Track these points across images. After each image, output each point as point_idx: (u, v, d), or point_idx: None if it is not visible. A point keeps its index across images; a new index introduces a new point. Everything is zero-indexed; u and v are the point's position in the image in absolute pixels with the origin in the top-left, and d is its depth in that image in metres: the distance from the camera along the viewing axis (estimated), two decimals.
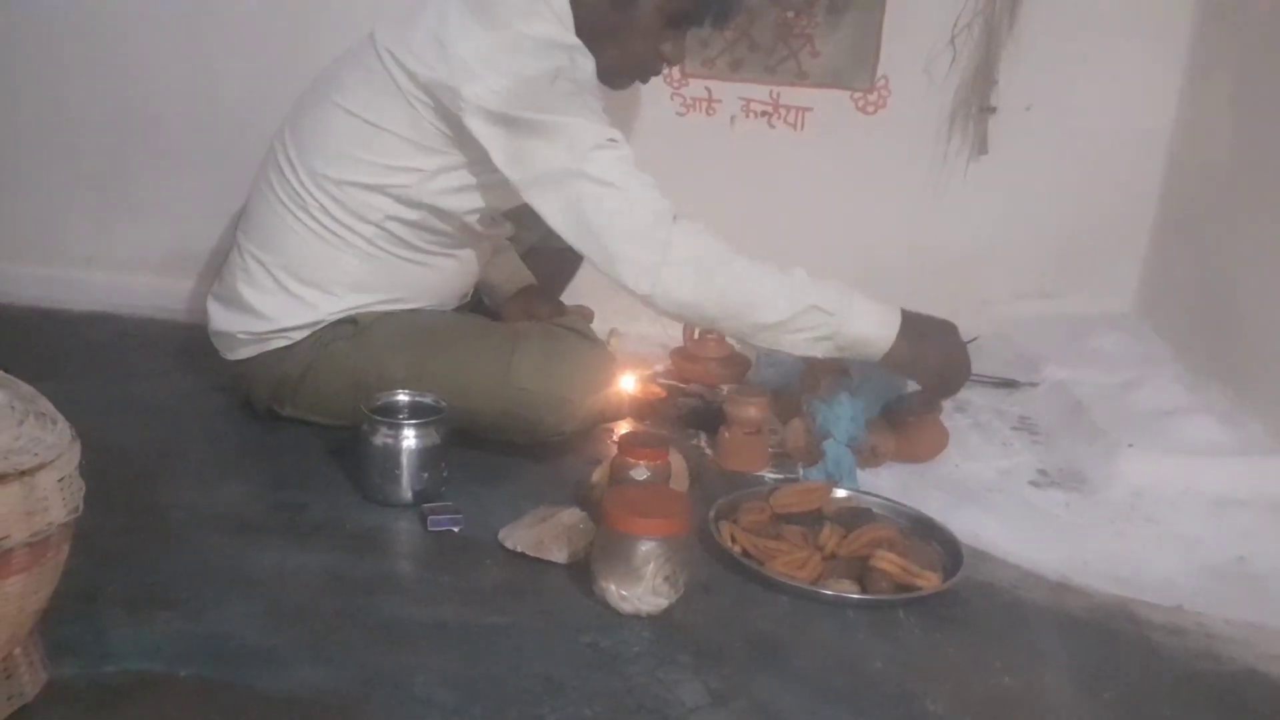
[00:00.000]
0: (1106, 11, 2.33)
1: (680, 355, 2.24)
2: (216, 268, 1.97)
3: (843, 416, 1.83)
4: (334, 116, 1.77)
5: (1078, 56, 2.35)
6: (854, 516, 1.64)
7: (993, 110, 2.37)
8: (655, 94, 2.37)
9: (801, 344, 1.69)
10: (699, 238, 1.66)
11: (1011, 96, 2.36)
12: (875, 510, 1.69)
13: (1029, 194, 2.44)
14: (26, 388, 1.16)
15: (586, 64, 1.72)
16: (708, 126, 2.41)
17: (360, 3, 1.81)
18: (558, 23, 1.73)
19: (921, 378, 1.78)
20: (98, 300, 2.45)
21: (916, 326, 1.72)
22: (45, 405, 1.14)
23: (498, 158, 1.67)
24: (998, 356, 2.31)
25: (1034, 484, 1.88)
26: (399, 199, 1.76)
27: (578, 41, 1.73)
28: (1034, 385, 2.22)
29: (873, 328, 1.69)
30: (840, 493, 1.72)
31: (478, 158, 1.71)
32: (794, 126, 2.41)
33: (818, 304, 1.65)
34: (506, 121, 1.65)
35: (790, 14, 2.33)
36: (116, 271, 2.50)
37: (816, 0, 2.32)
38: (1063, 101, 2.38)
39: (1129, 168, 2.44)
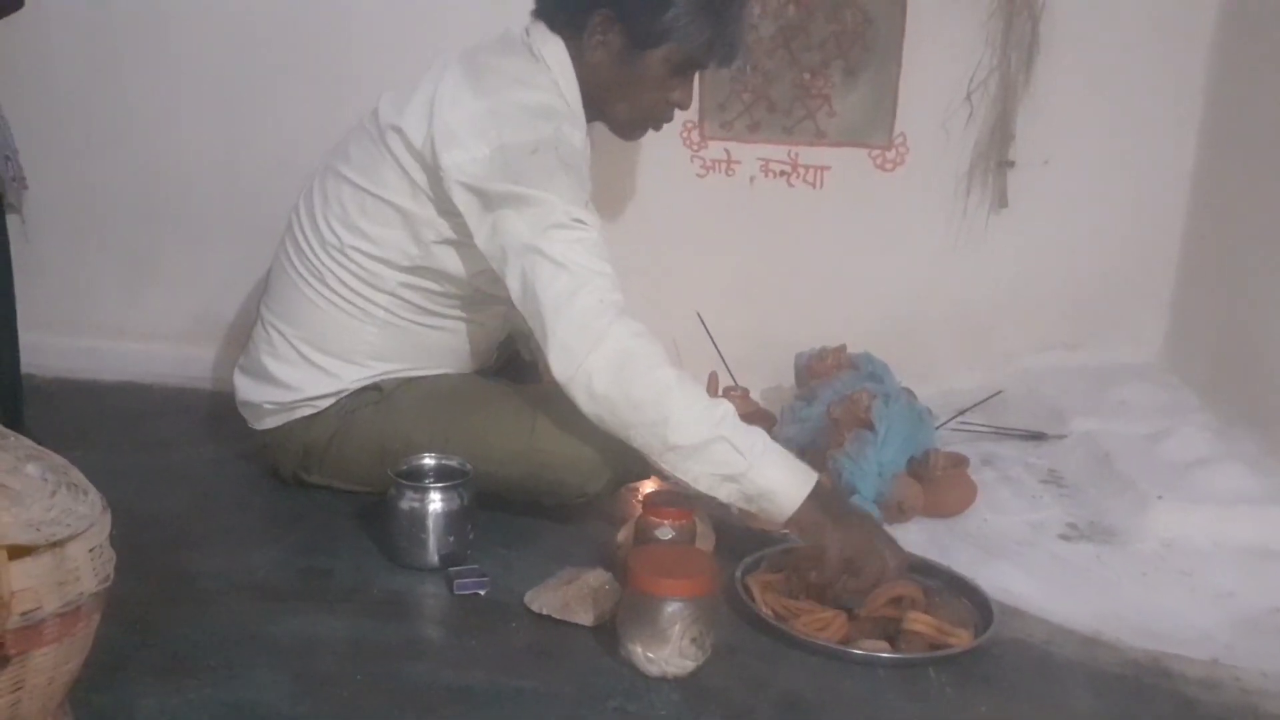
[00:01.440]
0: (1122, 63, 2.35)
1: None
2: (242, 336, 1.99)
3: (869, 472, 1.82)
4: (340, 187, 1.80)
5: (1095, 108, 2.37)
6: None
7: (1011, 164, 2.38)
8: (675, 156, 2.39)
9: (705, 478, 1.58)
10: (635, 340, 1.59)
11: (1030, 150, 2.38)
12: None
13: (1050, 246, 2.44)
14: (58, 459, 1.17)
15: (574, 135, 1.71)
16: (727, 187, 2.43)
17: (380, 79, 1.84)
18: (553, 89, 1.74)
19: (819, 553, 1.55)
20: (127, 370, 2.47)
21: (831, 505, 1.59)
22: (77, 476, 1.15)
23: (471, 224, 1.68)
24: (1023, 409, 2.30)
25: (1064, 537, 1.86)
26: (406, 267, 1.78)
27: (569, 111, 1.74)
28: (1061, 437, 2.20)
29: (781, 483, 1.56)
30: None
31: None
32: (813, 185, 2.42)
33: (731, 440, 1.55)
34: (480, 192, 1.66)
35: (807, 75, 2.36)
36: (145, 342, 2.52)
37: (833, 60, 2.35)
38: (1081, 154, 2.39)
39: (1149, 217, 2.44)
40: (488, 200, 1.66)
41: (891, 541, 1.58)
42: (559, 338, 1.59)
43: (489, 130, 1.66)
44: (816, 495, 1.57)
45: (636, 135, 1.90)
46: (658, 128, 1.89)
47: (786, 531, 1.62)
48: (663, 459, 1.59)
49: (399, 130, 1.72)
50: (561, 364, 1.60)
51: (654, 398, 1.57)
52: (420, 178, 1.72)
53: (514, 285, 1.65)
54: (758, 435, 1.59)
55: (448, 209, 1.72)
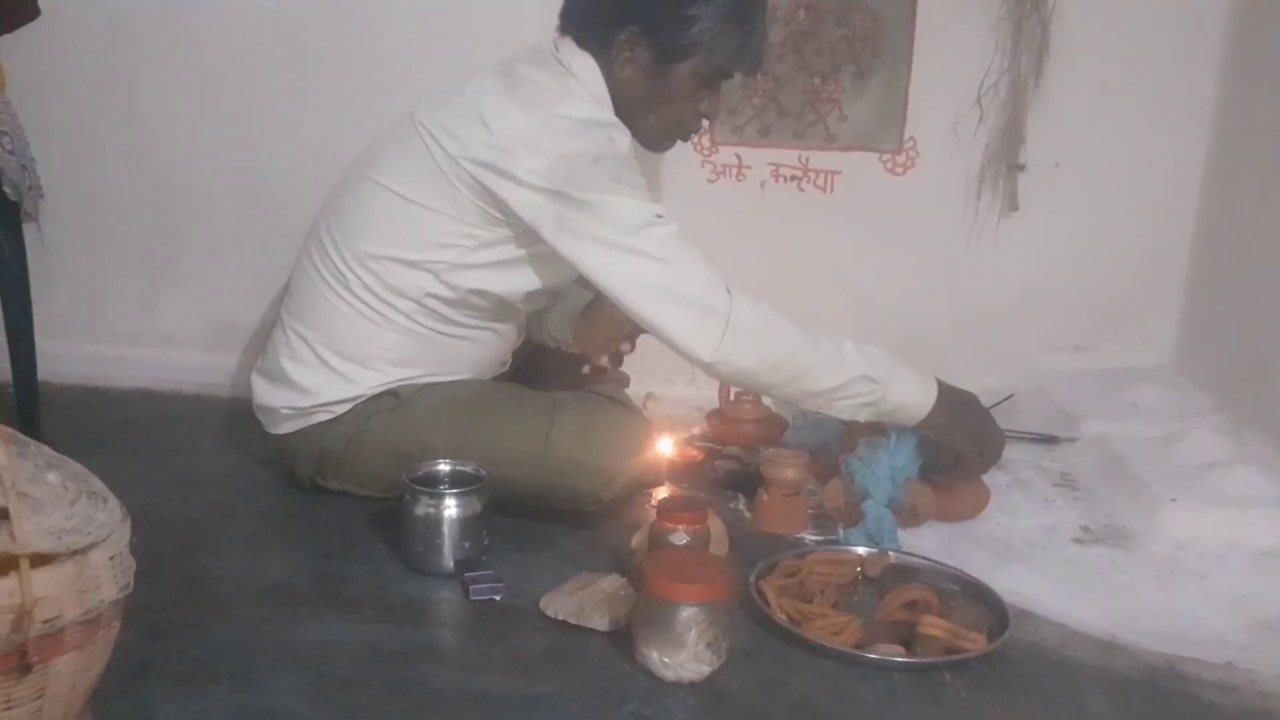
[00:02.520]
0: (1132, 66, 2.35)
1: (717, 418, 2.25)
2: (259, 343, 2.01)
3: (881, 476, 1.82)
4: (375, 194, 1.80)
5: (1105, 111, 2.37)
6: (897, 577, 1.64)
7: (1022, 168, 2.38)
8: (686, 162, 2.40)
9: (848, 410, 1.75)
10: (756, 308, 1.70)
11: (1040, 153, 2.38)
12: (914, 570, 1.69)
13: (1061, 249, 2.45)
14: (78, 466, 1.18)
15: (623, 140, 1.75)
16: (738, 192, 2.44)
17: (398, 86, 1.86)
18: (593, 102, 1.77)
19: (952, 444, 1.81)
20: (144, 377, 2.49)
21: (948, 396, 1.78)
22: (96, 484, 1.16)
23: (547, 234, 1.70)
24: (1036, 412, 2.30)
25: (1077, 541, 1.86)
26: (438, 276, 1.79)
27: (614, 119, 1.77)
28: (1074, 440, 2.20)
29: (912, 395, 1.75)
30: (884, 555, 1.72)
31: (516, 235, 1.75)
32: (824, 189, 2.43)
33: (867, 373, 1.71)
34: (556, 197, 1.68)
35: (817, 80, 2.37)
36: (162, 348, 2.55)
37: (843, 65, 2.36)
38: (1092, 156, 2.39)
39: (1161, 219, 2.44)
40: (564, 204, 1.68)
41: (991, 417, 1.86)
42: (686, 329, 1.68)
43: (543, 142, 1.69)
44: (941, 401, 1.76)
45: (665, 147, 1.92)
46: (686, 139, 1.91)
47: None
48: (807, 403, 1.77)
49: (445, 145, 1.73)
50: (700, 352, 1.68)
51: (788, 358, 1.70)
52: (466, 191, 1.73)
53: (615, 285, 1.70)
54: (881, 357, 1.75)
55: (493, 223, 1.74)
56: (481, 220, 1.75)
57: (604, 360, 2.01)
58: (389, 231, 1.79)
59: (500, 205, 1.72)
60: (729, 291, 1.69)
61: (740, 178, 2.44)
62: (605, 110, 1.78)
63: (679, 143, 1.92)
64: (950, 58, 2.34)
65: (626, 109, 1.80)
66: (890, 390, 1.73)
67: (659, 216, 1.70)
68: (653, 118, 1.83)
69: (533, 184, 1.68)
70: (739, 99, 2.37)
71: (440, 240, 1.77)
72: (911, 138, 2.39)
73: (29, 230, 2.17)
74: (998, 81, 2.35)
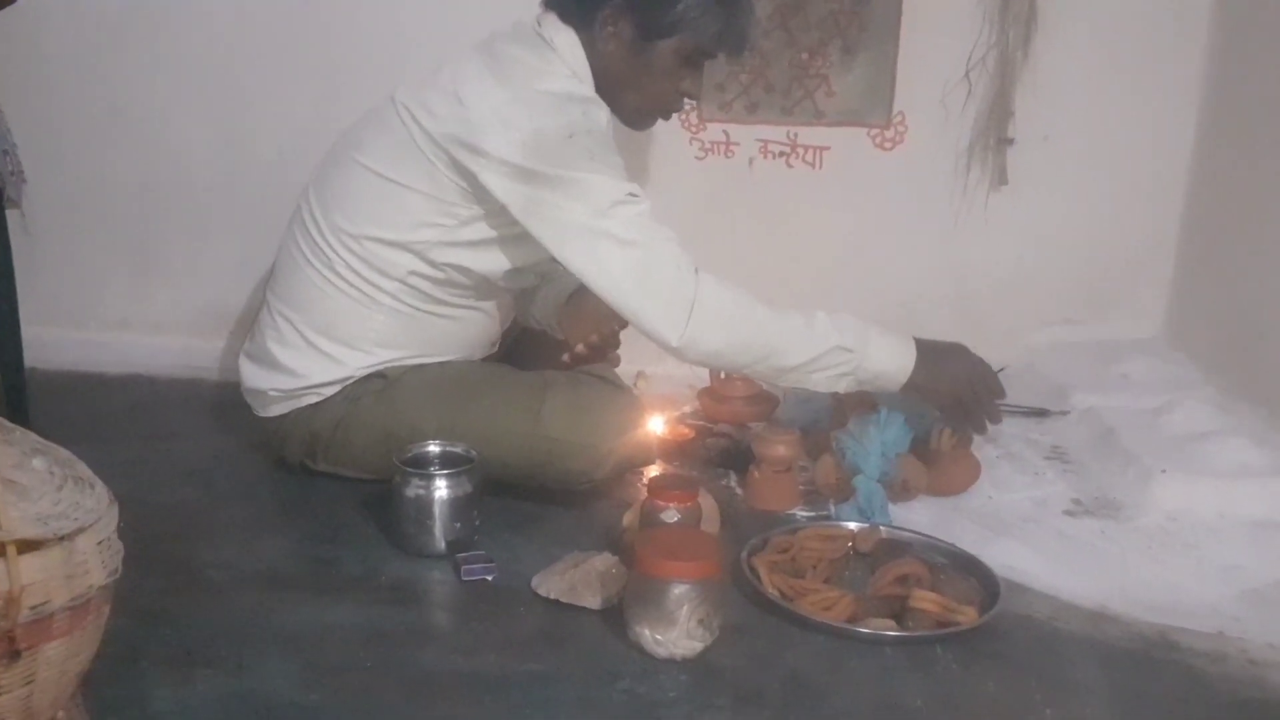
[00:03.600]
0: (1121, 38, 2.34)
1: (708, 395, 2.25)
2: (247, 326, 2.00)
3: (872, 452, 1.82)
4: (356, 174, 1.80)
5: (1094, 84, 2.36)
6: (889, 552, 1.64)
7: (1011, 141, 2.37)
8: (674, 139, 2.39)
9: (824, 382, 1.74)
10: (722, 289, 1.68)
11: (1029, 127, 2.37)
12: (905, 545, 1.69)
13: (1051, 223, 2.44)
14: (64, 452, 1.17)
15: (600, 115, 1.74)
16: (727, 169, 2.43)
17: (384, 67, 1.85)
18: (572, 77, 1.76)
19: (943, 401, 1.81)
20: (132, 362, 2.48)
21: (930, 353, 1.78)
22: (83, 469, 1.15)
23: (517, 212, 1.69)
24: (1026, 386, 2.30)
25: (1068, 513, 1.87)
26: (421, 255, 1.78)
27: (592, 95, 1.76)
28: (1064, 414, 2.21)
29: (890, 360, 1.74)
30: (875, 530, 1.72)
31: (495, 213, 1.74)
32: (812, 165, 2.42)
33: (839, 343, 1.70)
34: (525, 175, 1.67)
35: (805, 54, 2.36)
36: (150, 333, 2.53)
37: (830, 40, 2.34)
38: (1081, 129, 2.39)
39: (1150, 192, 2.44)
40: (534, 183, 1.67)
41: (980, 361, 1.83)
42: (654, 311, 1.67)
43: (519, 117, 1.68)
44: (920, 359, 1.75)
45: (646, 125, 1.91)
46: (667, 117, 1.91)
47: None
48: (782, 380, 1.77)
49: (424, 123, 1.73)
50: (666, 335, 1.67)
51: (757, 336, 1.69)
52: (445, 168, 1.73)
53: (582, 267, 1.69)
54: (854, 325, 1.73)
55: (472, 200, 1.73)
56: (460, 198, 1.74)
57: (582, 348, 1.99)
58: (370, 211, 1.78)
59: (475, 182, 1.71)
60: (696, 273, 1.68)
61: (729, 154, 2.43)
62: (584, 86, 1.77)
63: (665, 120, 1.91)
64: (938, 31, 2.33)
65: (607, 85, 1.79)
66: (866, 358, 1.72)
67: (631, 195, 1.68)
68: (633, 95, 1.82)
69: (504, 160, 1.67)
70: (726, 75, 2.35)
71: (420, 219, 1.76)
72: (900, 112, 2.38)
73: (12, 216, 2.15)
74: (986, 55, 2.34)
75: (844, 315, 1.74)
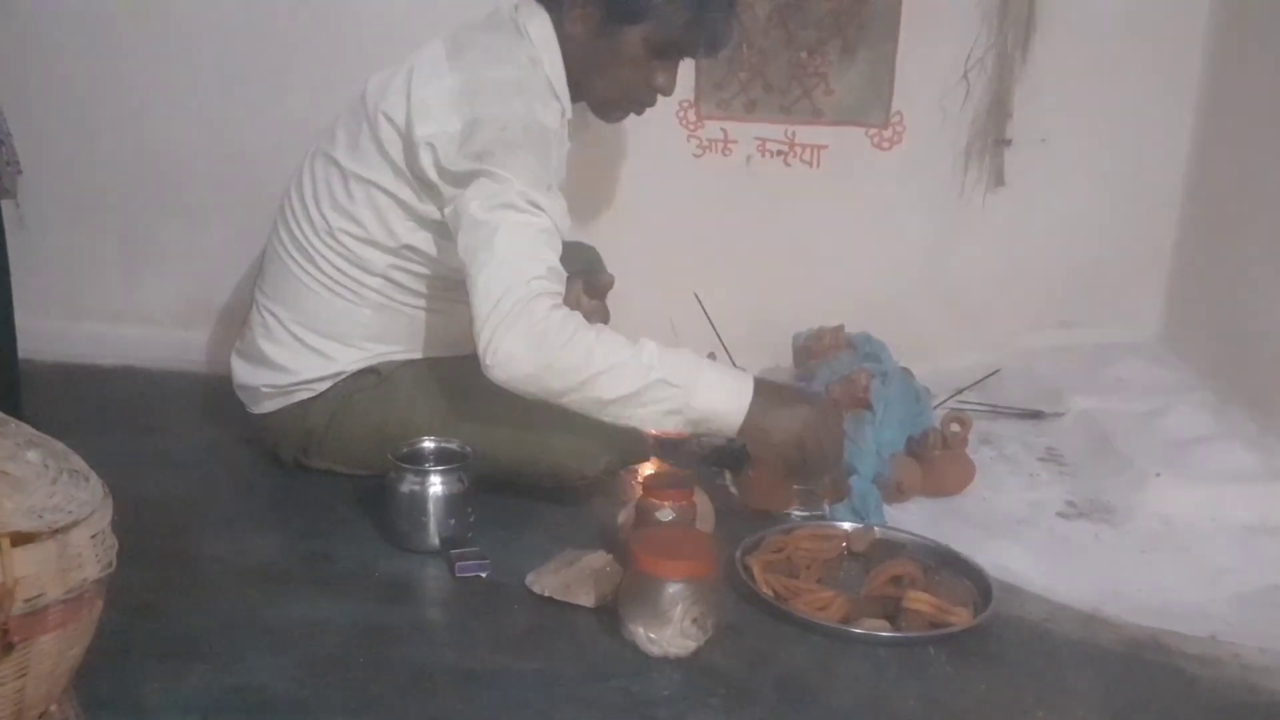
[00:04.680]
0: (1119, 40, 2.34)
1: None
2: (240, 320, 1.99)
3: (867, 452, 1.83)
4: (329, 170, 1.79)
5: (1092, 86, 2.36)
6: (883, 552, 1.64)
7: (1008, 143, 2.38)
8: (671, 137, 2.39)
9: (650, 419, 1.61)
10: (549, 314, 1.57)
11: (1027, 128, 2.37)
12: (899, 546, 1.69)
13: (1047, 224, 2.45)
14: (59, 445, 1.17)
15: (547, 112, 1.69)
16: (724, 167, 2.42)
17: (378, 61, 1.83)
18: (530, 66, 1.72)
19: (778, 452, 1.62)
20: (125, 354, 2.47)
21: (773, 397, 1.62)
22: (78, 462, 1.15)
23: (445, 197, 1.67)
24: (1021, 387, 2.31)
25: (1062, 515, 1.87)
26: (393, 249, 1.78)
27: (545, 86, 1.72)
28: (1059, 416, 2.21)
29: (723, 399, 1.59)
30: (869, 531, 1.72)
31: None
32: (810, 164, 2.42)
33: (664, 377, 1.57)
34: (447, 168, 1.65)
35: (804, 54, 2.35)
36: (143, 326, 2.52)
37: (829, 39, 2.34)
38: (1078, 131, 2.39)
39: (1147, 195, 2.44)
40: (455, 176, 1.65)
41: (833, 421, 1.65)
42: (480, 320, 1.58)
43: (462, 105, 1.66)
44: (758, 400, 1.59)
45: (616, 117, 1.88)
46: (639, 111, 1.87)
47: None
48: (603, 414, 1.60)
49: (382, 111, 1.72)
50: (481, 347, 1.58)
51: (578, 363, 1.57)
52: (400, 159, 1.71)
53: (460, 255, 1.64)
54: (687, 361, 1.60)
55: (427, 191, 1.71)
56: (418, 191, 1.72)
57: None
58: (342, 206, 1.78)
59: (422, 171, 1.68)
60: (538, 297, 1.57)
61: (726, 152, 2.42)
62: (541, 77, 1.72)
63: (637, 114, 1.88)
64: (937, 31, 2.33)
65: (577, 70, 1.76)
66: (694, 395, 1.58)
67: (532, 204, 1.61)
68: (602, 82, 1.79)
69: (434, 148, 1.65)
70: (725, 73, 2.35)
71: (389, 214, 1.75)
72: (898, 112, 2.38)
73: (7, 207, 2.14)
74: (984, 56, 2.34)
75: (680, 350, 1.62)
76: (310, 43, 2.37)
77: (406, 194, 1.73)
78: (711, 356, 2.19)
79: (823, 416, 1.63)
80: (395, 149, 1.71)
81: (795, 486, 1.82)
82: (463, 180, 1.64)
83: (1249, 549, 1.75)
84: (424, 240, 1.77)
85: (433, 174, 1.67)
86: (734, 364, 2.22)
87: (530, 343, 1.56)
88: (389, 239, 1.77)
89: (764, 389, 1.62)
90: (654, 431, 1.66)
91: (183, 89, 2.42)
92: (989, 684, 1.40)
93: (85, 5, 2.38)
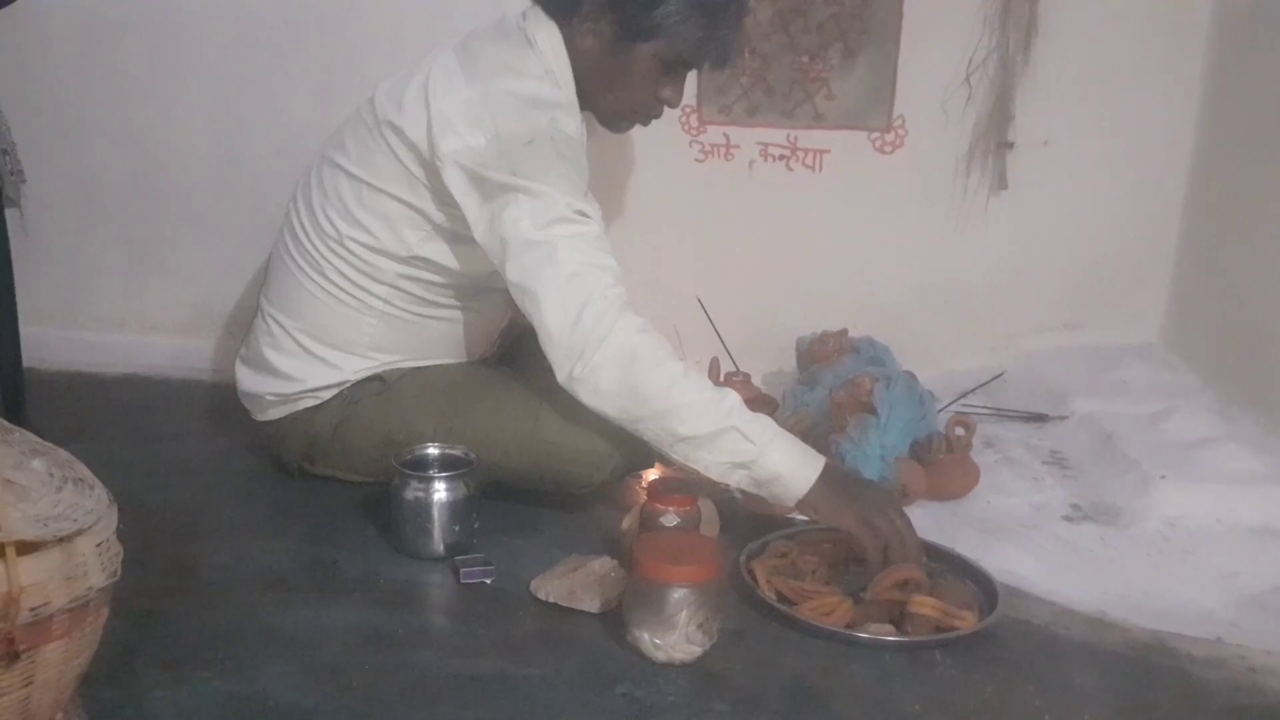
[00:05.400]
0: (1121, 43, 2.35)
1: None
2: (244, 327, 2.00)
3: (871, 456, 1.82)
4: (337, 178, 1.79)
5: (1094, 89, 2.37)
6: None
7: (1010, 145, 2.37)
8: (673, 142, 2.39)
9: (716, 466, 1.59)
10: (640, 335, 1.59)
11: (1029, 131, 2.37)
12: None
13: (1050, 227, 2.44)
14: (64, 453, 1.17)
15: (568, 123, 1.70)
16: (726, 172, 2.42)
17: (381, 67, 1.84)
18: (545, 77, 1.73)
19: (845, 525, 1.58)
20: (129, 362, 2.47)
21: (839, 479, 1.60)
22: (83, 470, 1.15)
23: (469, 215, 1.67)
24: (1025, 391, 2.31)
25: (1067, 519, 1.87)
26: (404, 258, 1.78)
27: (563, 98, 1.72)
28: (1063, 419, 2.21)
29: (792, 467, 1.57)
30: None
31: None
32: (812, 169, 2.42)
33: (740, 429, 1.56)
34: (478, 181, 1.65)
35: (805, 58, 2.35)
36: (147, 333, 2.53)
37: (831, 43, 2.34)
38: (1081, 134, 2.39)
39: (1149, 197, 2.44)
40: (486, 191, 1.65)
41: (904, 514, 1.59)
42: (562, 337, 1.59)
43: (484, 118, 1.66)
44: (826, 477, 1.58)
45: (623, 129, 1.89)
46: (645, 123, 1.87)
47: (793, 514, 1.62)
48: (674, 450, 1.60)
49: (395, 121, 1.71)
50: (566, 363, 1.60)
51: (661, 391, 1.58)
52: (417, 168, 1.71)
53: (514, 279, 1.64)
54: (766, 423, 1.60)
55: (445, 200, 1.71)
56: (435, 200, 1.72)
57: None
58: (353, 216, 1.77)
59: (441, 183, 1.68)
60: (621, 310, 1.59)
61: (728, 157, 2.43)
62: (557, 88, 1.73)
63: (644, 126, 1.88)
64: (938, 35, 2.33)
65: (585, 83, 1.77)
66: (766, 455, 1.56)
67: (580, 214, 1.62)
68: (611, 96, 1.79)
69: (458, 162, 1.65)
70: (726, 78, 2.35)
71: (399, 222, 1.75)
72: (900, 116, 2.38)
73: (11, 216, 2.14)
74: (986, 59, 2.34)
75: (763, 416, 1.61)
76: (310, 52, 2.38)
77: (423, 204, 1.73)
78: (714, 360, 2.21)
79: (890, 499, 1.62)
80: (411, 161, 1.71)
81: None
82: (495, 195, 1.64)
83: (1255, 551, 1.74)
84: (435, 249, 1.77)
85: (458, 190, 1.66)
86: (737, 368, 2.24)
87: (621, 362, 1.57)
88: (400, 248, 1.77)
89: (833, 471, 1.60)
90: (717, 482, 1.62)
91: (186, 97, 2.43)
92: (995, 688, 1.40)
93: (88, 15, 2.39)
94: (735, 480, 1.60)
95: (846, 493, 1.58)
